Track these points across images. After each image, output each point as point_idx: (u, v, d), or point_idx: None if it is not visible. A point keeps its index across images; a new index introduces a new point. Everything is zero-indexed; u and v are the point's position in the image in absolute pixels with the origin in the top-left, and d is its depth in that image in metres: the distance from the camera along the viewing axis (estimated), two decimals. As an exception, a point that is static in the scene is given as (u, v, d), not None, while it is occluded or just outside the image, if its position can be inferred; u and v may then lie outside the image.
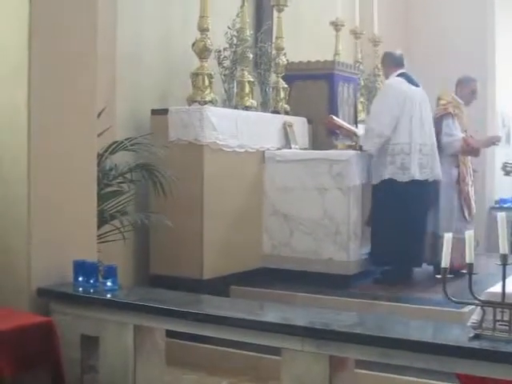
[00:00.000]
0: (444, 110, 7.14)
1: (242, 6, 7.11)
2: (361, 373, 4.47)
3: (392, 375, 4.91)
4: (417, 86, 6.97)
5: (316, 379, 3.42)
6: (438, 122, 7.14)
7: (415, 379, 4.85)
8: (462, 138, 7.08)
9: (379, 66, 9.44)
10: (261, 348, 4.14)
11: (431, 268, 7.06)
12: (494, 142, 7.74)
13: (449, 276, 3.25)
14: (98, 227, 4.94)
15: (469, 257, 3.18)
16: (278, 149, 7.17)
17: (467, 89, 7.27)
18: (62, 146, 4.46)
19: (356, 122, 8.23)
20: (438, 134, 7.12)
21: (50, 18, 4.39)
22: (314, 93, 7.77)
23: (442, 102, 7.23)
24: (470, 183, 7.24)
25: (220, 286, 6.16)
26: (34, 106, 4.29)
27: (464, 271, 3.36)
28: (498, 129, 11.00)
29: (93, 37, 4.73)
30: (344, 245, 6.57)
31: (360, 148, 6.94)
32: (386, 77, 7.21)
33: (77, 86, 4.59)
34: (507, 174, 7.56)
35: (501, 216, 3.14)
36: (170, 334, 4.29)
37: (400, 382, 4.91)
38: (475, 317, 3.67)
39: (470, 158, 7.33)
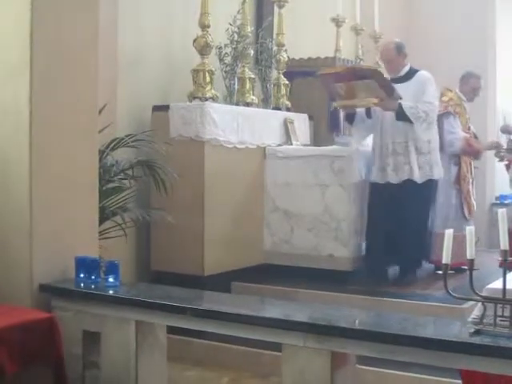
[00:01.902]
0: (444, 109, 7.12)
1: (243, 2, 7.11)
2: (362, 369, 4.49)
3: (394, 371, 4.93)
4: None
5: (317, 375, 3.43)
6: (438, 120, 7.13)
7: (417, 375, 4.86)
8: (464, 137, 7.06)
9: (379, 62, 9.45)
10: (262, 344, 4.15)
11: (432, 264, 7.07)
12: (495, 147, 7.67)
13: (449, 272, 3.25)
14: (100, 223, 4.94)
15: (469, 253, 3.18)
16: (279, 145, 7.18)
17: (468, 85, 7.25)
18: (63, 143, 4.47)
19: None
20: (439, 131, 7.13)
21: (51, 16, 4.39)
22: (315, 89, 7.77)
23: (444, 98, 7.20)
24: (471, 181, 7.22)
25: (221, 282, 6.16)
26: (36, 103, 4.29)
27: (464, 267, 3.37)
28: (499, 126, 10.97)
29: (94, 34, 4.73)
30: (345, 241, 6.59)
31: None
32: (397, 68, 6.66)
33: (78, 84, 4.59)
34: (501, 159, 7.54)
35: (501, 212, 3.14)
36: (172, 329, 4.30)
37: (401, 377, 4.92)
38: (476, 312, 3.66)
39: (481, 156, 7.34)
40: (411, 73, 6.66)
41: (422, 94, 6.50)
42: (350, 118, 6.78)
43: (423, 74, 6.68)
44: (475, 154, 7.20)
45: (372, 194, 6.69)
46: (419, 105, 6.42)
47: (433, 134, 6.62)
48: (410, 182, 6.48)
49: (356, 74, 6.37)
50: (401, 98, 6.35)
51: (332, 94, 6.70)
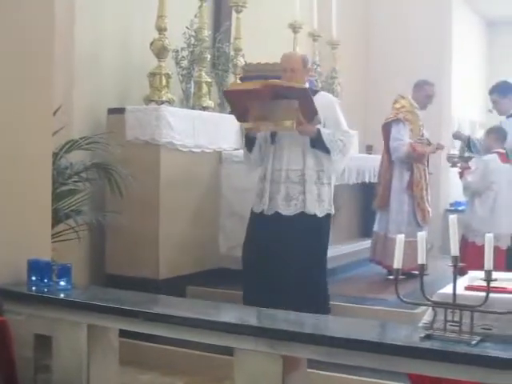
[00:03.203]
0: (394, 116, 7.18)
1: (201, 6, 7.12)
2: (315, 373, 4.51)
3: (346, 375, 4.95)
4: None
5: (269, 379, 3.44)
6: (387, 127, 7.19)
7: (368, 379, 4.88)
8: (408, 143, 7.10)
9: (336, 68, 9.53)
10: (217, 348, 4.15)
11: (385, 269, 7.12)
12: (438, 148, 7.68)
13: (400, 277, 3.28)
14: (53, 226, 4.90)
15: (420, 258, 3.21)
16: (236, 149, 7.18)
17: (422, 93, 7.32)
18: (16, 145, 4.42)
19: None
20: (387, 138, 7.19)
21: (4, 15, 4.35)
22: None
23: (396, 105, 7.26)
24: (425, 187, 7.26)
25: (176, 286, 6.15)
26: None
27: (416, 272, 3.40)
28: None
29: (50, 35, 4.69)
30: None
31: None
32: (301, 81, 5.78)
33: (32, 85, 4.54)
34: (453, 165, 7.60)
35: (452, 219, 3.18)
36: (126, 333, 4.27)
37: (353, 382, 4.94)
38: (427, 317, 3.71)
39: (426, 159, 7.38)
40: (311, 92, 5.71)
41: (335, 120, 5.79)
42: (251, 143, 5.95)
43: (328, 96, 6.20)
44: (420, 158, 7.20)
45: (254, 225, 5.92)
46: (336, 133, 5.72)
47: (340, 167, 5.96)
48: (303, 215, 5.71)
49: (276, 93, 5.43)
50: (320, 123, 5.67)
51: (240, 113, 5.68)
